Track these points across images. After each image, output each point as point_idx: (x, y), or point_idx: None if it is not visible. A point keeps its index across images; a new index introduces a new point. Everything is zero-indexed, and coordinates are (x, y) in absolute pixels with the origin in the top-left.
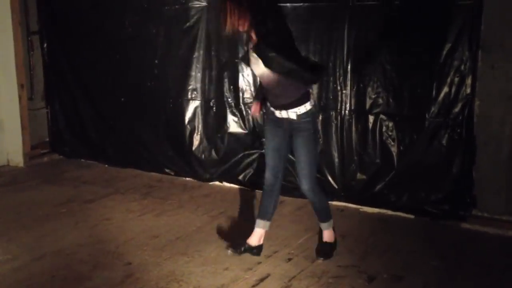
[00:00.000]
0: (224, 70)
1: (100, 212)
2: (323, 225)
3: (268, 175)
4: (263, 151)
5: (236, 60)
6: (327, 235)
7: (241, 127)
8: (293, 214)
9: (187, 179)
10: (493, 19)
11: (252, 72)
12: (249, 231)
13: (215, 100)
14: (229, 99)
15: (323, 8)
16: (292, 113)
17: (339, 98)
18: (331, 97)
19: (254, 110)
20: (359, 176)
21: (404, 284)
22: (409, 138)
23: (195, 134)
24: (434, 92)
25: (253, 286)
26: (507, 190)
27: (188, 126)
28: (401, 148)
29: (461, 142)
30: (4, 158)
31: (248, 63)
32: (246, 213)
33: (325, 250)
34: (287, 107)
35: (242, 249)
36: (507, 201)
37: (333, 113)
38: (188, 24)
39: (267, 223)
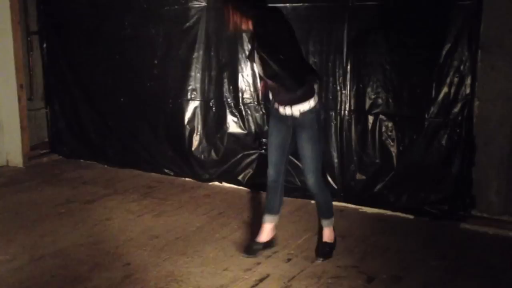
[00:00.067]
0: (223, 71)
1: (99, 212)
2: (324, 222)
3: (270, 171)
4: (263, 151)
5: (236, 61)
6: (327, 234)
7: (240, 128)
8: (292, 215)
9: (187, 179)
10: (492, 19)
11: (252, 72)
12: (250, 231)
13: (214, 100)
14: (229, 100)
15: (322, 8)
16: (295, 110)
17: (339, 98)
18: (331, 97)
19: (261, 87)
20: (358, 176)
21: (404, 284)
22: (408, 138)
23: (195, 135)
24: (433, 92)
25: (253, 286)
26: (507, 191)
27: (187, 127)
28: (401, 148)
29: (460, 142)
30: (4, 159)
31: (252, 60)
32: (246, 213)
33: (324, 250)
34: (290, 103)
35: (255, 248)
36: (507, 201)
37: (333, 113)
38: (187, 24)
39: (275, 217)
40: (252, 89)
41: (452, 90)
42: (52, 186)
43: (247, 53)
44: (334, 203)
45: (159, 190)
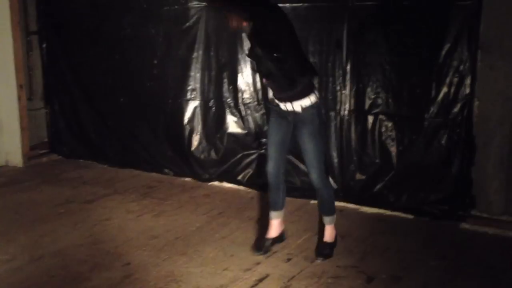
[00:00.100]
0: (223, 71)
1: (99, 212)
2: (326, 219)
3: (270, 168)
4: (263, 151)
5: (236, 60)
6: (328, 233)
7: (240, 127)
8: (292, 215)
9: (187, 179)
10: (492, 19)
11: (252, 72)
12: (250, 231)
13: (214, 100)
14: (228, 100)
15: (322, 8)
16: (297, 106)
17: (339, 98)
18: (331, 97)
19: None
20: (358, 176)
21: (403, 284)
22: (408, 138)
23: (194, 134)
24: (433, 92)
25: (252, 286)
26: (507, 190)
27: (187, 126)
28: (400, 148)
29: (460, 142)
30: (3, 159)
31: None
32: (246, 213)
33: (324, 251)
34: (291, 99)
35: (267, 244)
36: (507, 201)
37: (333, 113)
38: (187, 24)
39: (281, 212)
40: (251, 89)
41: (452, 90)
42: (51, 186)
43: (247, 52)
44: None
45: (159, 190)
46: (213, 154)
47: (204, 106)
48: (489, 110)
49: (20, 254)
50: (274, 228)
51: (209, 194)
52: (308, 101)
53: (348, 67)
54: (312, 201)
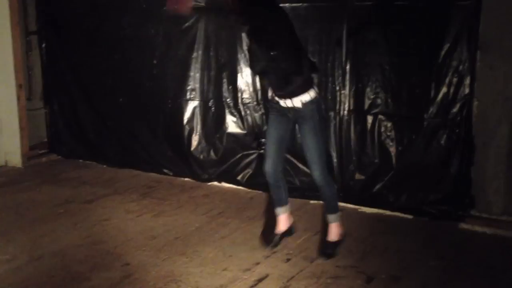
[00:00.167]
0: (222, 71)
1: (98, 212)
2: (330, 217)
3: (267, 167)
4: (262, 151)
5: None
6: (332, 232)
7: (239, 128)
8: (291, 215)
9: (186, 179)
10: (491, 19)
11: (252, 72)
12: (250, 230)
13: (213, 100)
14: (228, 100)
15: (322, 8)
16: (297, 101)
17: (338, 98)
18: (330, 97)
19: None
20: (357, 176)
21: (403, 284)
22: (407, 138)
23: (194, 135)
24: (432, 93)
25: (252, 286)
26: (506, 191)
27: (186, 127)
28: (400, 148)
29: (459, 142)
30: (2, 159)
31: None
32: (245, 213)
33: (327, 250)
34: (290, 95)
35: (276, 239)
36: (506, 202)
37: (332, 113)
38: (186, 24)
39: (286, 207)
40: (251, 89)
41: (451, 90)
42: (51, 186)
43: (246, 53)
44: None
45: (158, 190)
46: (212, 154)
47: (204, 106)
48: (488, 110)
49: (20, 254)
50: (282, 223)
51: (208, 194)
52: (308, 96)
53: (348, 67)
54: (312, 201)
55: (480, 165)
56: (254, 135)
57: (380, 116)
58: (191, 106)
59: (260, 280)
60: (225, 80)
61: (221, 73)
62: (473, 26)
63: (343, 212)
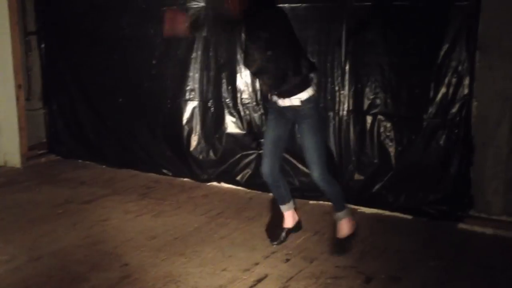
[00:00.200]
0: (222, 71)
1: (97, 213)
2: (338, 215)
3: (264, 168)
4: (261, 151)
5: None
6: (341, 229)
7: (239, 128)
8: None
9: (185, 179)
10: (490, 19)
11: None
12: (249, 230)
13: (213, 100)
14: (227, 100)
15: (321, 8)
16: (295, 100)
17: (337, 99)
18: (329, 97)
19: None
20: (357, 176)
21: (402, 284)
22: (407, 138)
23: (193, 135)
24: (431, 93)
25: (251, 286)
26: (505, 191)
27: (186, 127)
28: (399, 148)
29: (458, 143)
30: (1, 159)
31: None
32: (245, 214)
33: (339, 248)
34: (288, 94)
35: (284, 234)
36: (505, 202)
37: (331, 113)
38: (186, 24)
39: (290, 203)
40: (250, 89)
41: (450, 91)
42: (50, 187)
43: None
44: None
45: (157, 190)
46: (211, 154)
47: (203, 106)
48: (487, 110)
49: (19, 255)
50: (288, 219)
51: (207, 195)
52: (306, 94)
53: (347, 67)
54: (311, 202)
55: (479, 165)
56: (253, 136)
57: (379, 117)
58: (191, 106)
59: (259, 281)
60: (224, 80)
61: (221, 73)
62: (472, 27)
63: None
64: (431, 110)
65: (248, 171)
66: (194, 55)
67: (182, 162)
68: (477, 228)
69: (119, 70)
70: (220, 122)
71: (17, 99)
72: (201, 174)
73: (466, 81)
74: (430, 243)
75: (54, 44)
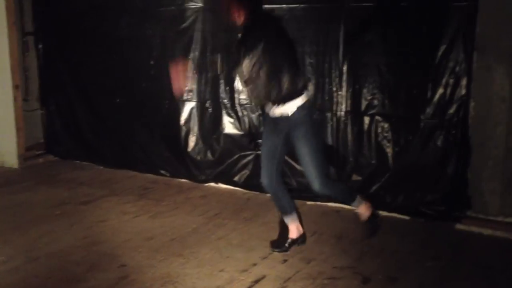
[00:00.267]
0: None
1: (95, 213)
2: (353, 206)
3: (262, 178)
4: (259, 152)
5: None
6: (362, 214)
7: (236, 128)
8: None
9: (183, 180)
10: (488, 20)
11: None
12: (247, 231)
13: (211, 101)
14: (225, 100)
15: (319, 9)
16: (286, 109)
17: (335, 99)
18: (327, 98)
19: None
20: (354, 177)
21: (399, 285)
22: (404, 139)
23: (191, 135)
24: (429, 93)
25: (248, 287)
26: (502, 191)
27: (183, 127)
28: (397, 149)
29: (456, 143)
30: None
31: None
32: (242, 214)
33: (368, 230)
34: (281, 101)
35: (287, 245)
36: (502, 202)
37: (329, 114)
38: (183, 25)
39: (294, 215)
40: None
41: (448, 91)
42: (48, 187)
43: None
44: (330, 204)
45: (155, 191)
46: (209, 155)
47: (201, 107)
48: (485, 111)
49: (16, 255)
50: (293, 230)
51: (205, 195)
52: (298, 102)
53: (345, 68)
54: (309, 202)
55: (476, 166)
56: (251, 136)
57: (377, 117)
58: (188, 107)
59: (257, 281)
60: (222, 81)
61: (218, 74)
62: (469, 27)
63: (340, 213)
64: (429, 110)
65: (246, 172)
66: (191, 56)
67: (179, 163)
68: (475, 229)
69: (117, 71)
70: (217, 122)
71: (15, 99)
72: (199, 175)
73: (464, 82)
74: (428, 243)
75: (51, 45)
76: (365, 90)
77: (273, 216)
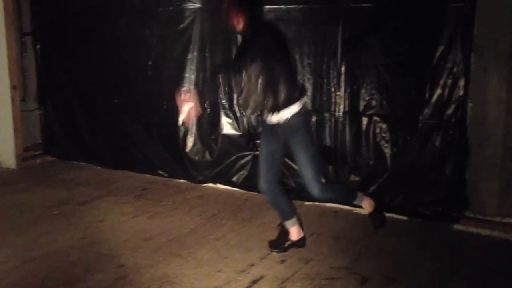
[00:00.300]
0: (218, 72)
1: (93, 214)
2: (357, 202)
3: (260, 184)
4: (257, 152)
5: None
6: (367, 206)
7: (235, 129)
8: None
9: (181, 180)
10: (485, 21)
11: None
12: (245, 231)
13: (209, 101)
14: (223, 101)
15: (317, 10)
16: (281, 116)
17: (333, 100)
18: (325, 98)
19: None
20: (352, 177)
21: (397, 285)
22: (402, 139)
23: (189, 136)
24: (427, 94)
25: None
26: (500, 192)
27: (181, 128)
28: (395, 149)
29: (454, 144)
30: None
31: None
32: (240, 215)
33: (375, 224)
34: (276, 109)
35: (287, 245)
36: (500, 203)
37: (327, 114)
38: (182, 25)
39: (294, 219)
40: None
41: (446, 92)
42: (45, 188)
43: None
44: (328, 204)
45: (153, 191)
46: (207, 155)
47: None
48: (482, 112)
49: (13, 256)
50: (294, 233)
51: (203, 196)
52: (294, 109)
53: (343, 69)
54: (307, 203)
55: (474, 167)
56: (249, 137)
57: (375, 118)
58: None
59: (255, 282)
60: (220, 81)
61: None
62: (467, 28)
63: (338, 213)
64: (427, 111)
65: (244, 172)
66: (190, 56)
67: (177, 163)
68: (473, 229)
69: (115, 71)
70: (216, 123)
71: (12, 100)
72: (197, 175)
73: (462, 83)
74: (426, 244)
75: (49, 45)
76: (363, 91)
77: (271, 217)
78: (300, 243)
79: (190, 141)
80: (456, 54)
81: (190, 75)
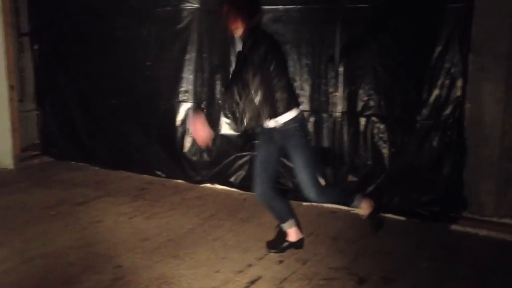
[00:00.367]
0: (216, 72)
1: (90, 214)
2: (353, 205)
3: (255, 188)
4: (255, 153)
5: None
6: (364, 210)
7: (233, 129)
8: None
9: (179, 181)
10: (483, 21)
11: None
12: (243, 232)
13: (206, 102)
14: (221, 101)
15: (315, 10)
16: (277, 121)
17: (331, 100)
18: (323, 99)
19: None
20: (350, 178)
21: (395, 286)
22: (400, 140)
23: (187, 136)
24: (425, 95)
25: None
26: (498, 192)
27: (179, 128)
28: (392, 150)
29: (451, 144)
30: None
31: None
32: (238, 215)
33: (373, 226)
34: (272, 116)
35: (284, 245)
36: (498, 203)
37: (325, 115)
38: (180, 26)
39: (291, 221)
40: None
41: (444, 93)
42: (43, 188)
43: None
44: (326, 204)
45: (151, 192)
46: (205, 156)
47: (197, 107)
48: (480, 112)
49: (11, 256)
50: (292, 234)
51: (201, 196)
52: (291, 115)
53: (341, 69)
54: (305, 203)
55: (472, 167)
56: (247, 137)
57: (373, 118)
58: (184, 107)
59: (252, 282)
60: (218, 81)
61: (214, 74)
62: (465, 29)
63: (336, 214)
64: (424, 112)
65: (242, 173)
66: (188, 56)
67: (175, 164)
68: (470, 229)
69: (113, 72)
70: (214, 123)
71: (10, 100)
72: (195, 176)
73: (459, 83)
74: (423, 244)
75: (47, 45)
76: (361, 91)
77: (269, 217)
78: (298, 244)
79: (188, 142)
80: (454, 54)
81: (188, 76)
